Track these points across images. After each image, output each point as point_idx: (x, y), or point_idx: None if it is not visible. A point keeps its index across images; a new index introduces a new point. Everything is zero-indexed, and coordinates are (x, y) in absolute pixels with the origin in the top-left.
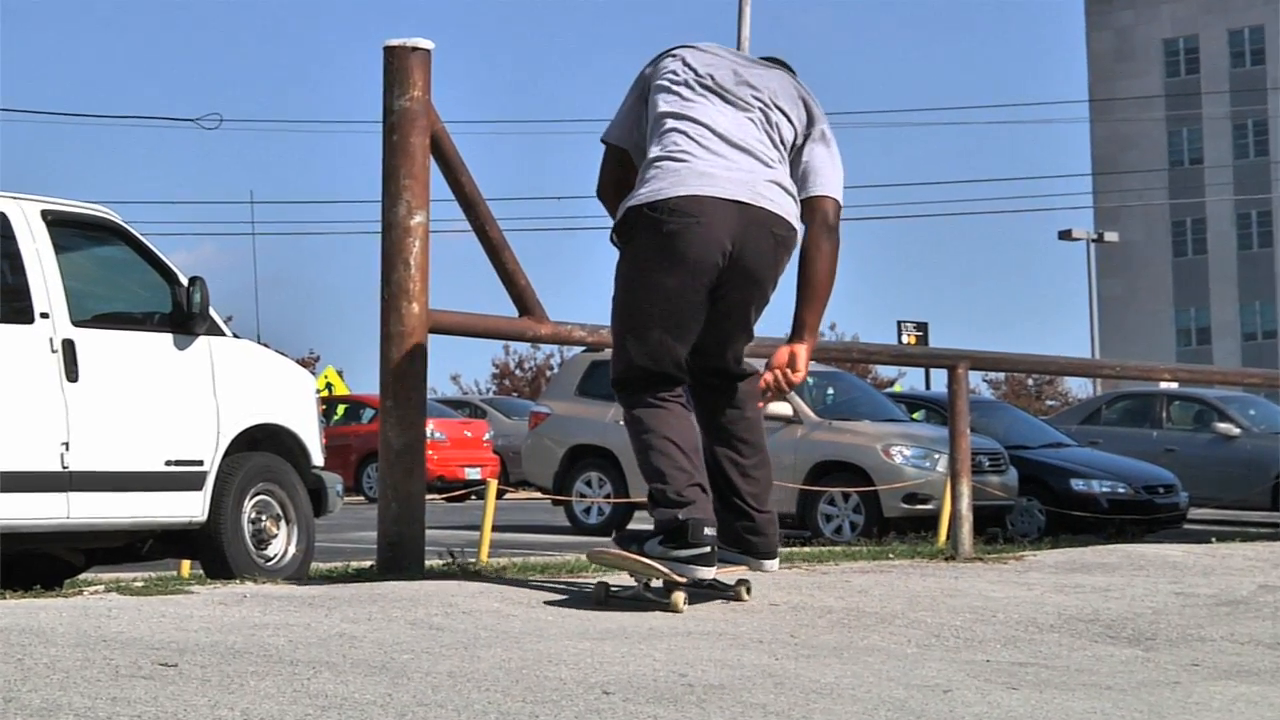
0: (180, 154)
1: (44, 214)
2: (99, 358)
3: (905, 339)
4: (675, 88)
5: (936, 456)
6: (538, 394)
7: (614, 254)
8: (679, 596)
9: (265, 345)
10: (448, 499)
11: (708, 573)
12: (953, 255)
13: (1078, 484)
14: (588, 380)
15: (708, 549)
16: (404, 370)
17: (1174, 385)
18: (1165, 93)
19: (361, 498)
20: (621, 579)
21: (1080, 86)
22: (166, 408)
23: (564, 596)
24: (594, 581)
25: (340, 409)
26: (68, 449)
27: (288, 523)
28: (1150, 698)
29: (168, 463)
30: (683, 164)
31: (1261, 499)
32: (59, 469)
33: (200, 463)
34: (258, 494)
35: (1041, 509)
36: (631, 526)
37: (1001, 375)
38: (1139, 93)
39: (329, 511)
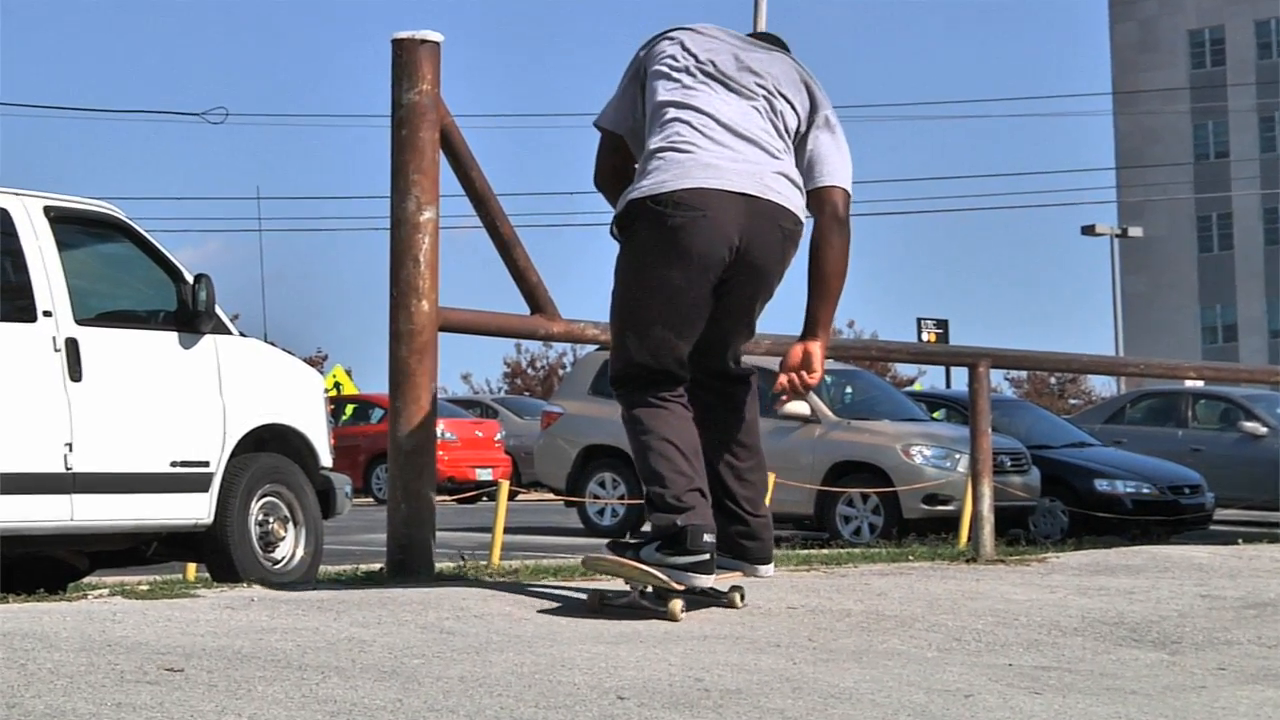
0: (185, 149)
1: (46, 210)
2: (103, 357)
3: (925, 336)
4: (675, 74)
5: (957, 456)
6: (550, 393)
7: None
8: (676, 605)
9: (272, 344)
10: (458, 500)
11: (706, 581)
12: (973, 251)
13: (1101, 484)
14: (601, 379)
15: (707, 556)
16: (413, 369)
17: (1200, 383)
18: (1190, 85)
19: (371, 499)
20: (612, 585)
21: (1104, 79)
22: (172, 408)
23: (578, 600)
24: (605, 585)
25: (349, 409)
26: (71, 450)
27: (295, 525)
28: (1176, 702)
29: (173, 464)
30: (687, 155)
31: None
32: (62, 470)
33: (206, 464)
34: (265, 496)
35: (1064, 510)
36: (637, 529)
37: (1024, 373)
38: (1163, 85)
39: (337, 513)
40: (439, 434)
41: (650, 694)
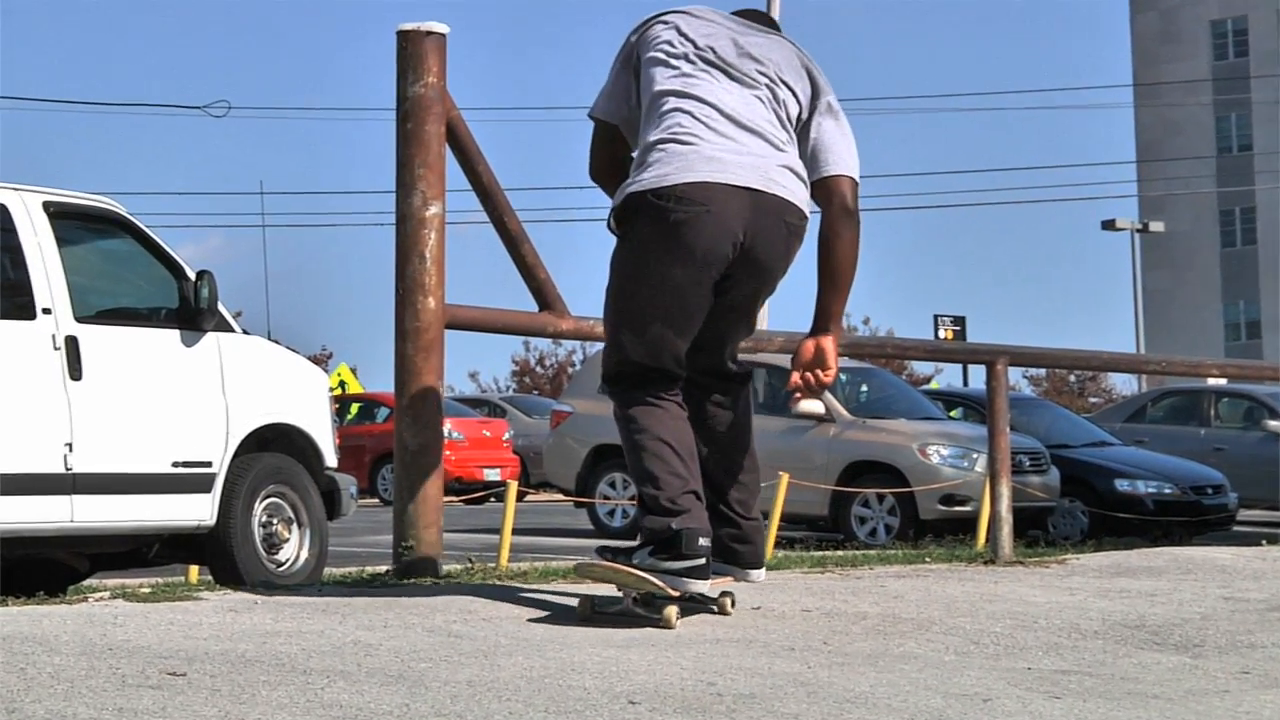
0: (187, 143)
1: (46, 205)
2: (103, 355)
3: (942, 334)
4: (674, 61)
5: (975, 456)
6: (559, 392)
7: None
8: (672, 612)
9: (276, 341)
10: (466, 501)
11: (702, 586)
12: (991, 246)
13: (1122, 484)
14: None
15: (702, 560)
16: (420, 367)
17: (1222, 381)
18: (1213, 76)
19: (376, 500)
20: (604, 590)
21: (1124, 70)
22: (173, 407)
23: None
24: (598, 591)
25: (354, 408)
26: (71, 450)
27: (300, 526)
28: (1198, 707)
29: (175, 464)
30: (689, 147)
31: None
32: (62, 471)
33: (209, 464)
34: (268, 496)
35: (1084, 510)
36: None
37: (1042, 371)
38: (1185, 76)
39: (343, 515)
40: (446, 433)
41: (662, 699)
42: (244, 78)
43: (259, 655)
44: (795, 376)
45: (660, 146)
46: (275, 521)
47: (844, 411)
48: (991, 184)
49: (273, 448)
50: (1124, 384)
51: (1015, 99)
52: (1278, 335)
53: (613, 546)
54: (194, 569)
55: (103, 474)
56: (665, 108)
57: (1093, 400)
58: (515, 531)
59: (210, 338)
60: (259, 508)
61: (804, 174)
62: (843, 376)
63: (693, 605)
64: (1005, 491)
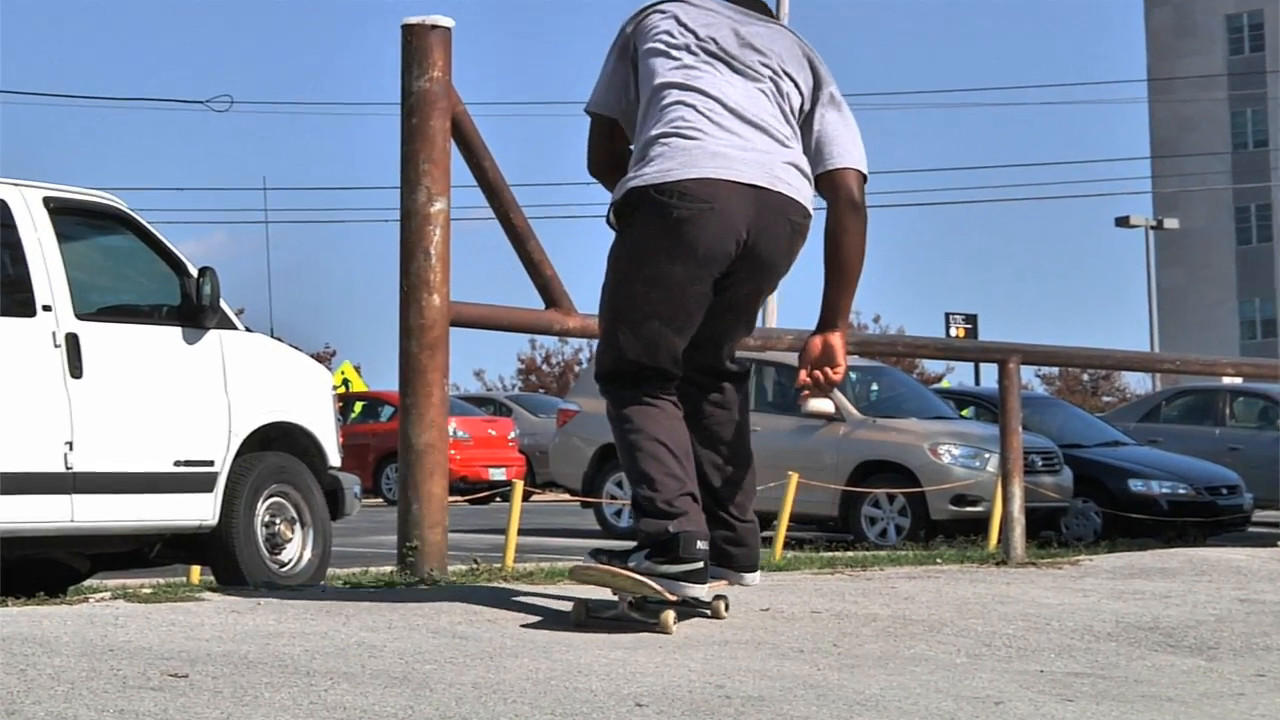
0: (189, 138)
1: (46, 201)
2: (104, 353)
3: (953, 332)
4: (674, 52)
5: (987, 456)
6: (565, 390)
7: None
8: (669, 616)
9: (279, 339)
10: (471, 501)
11: (699, 590)
12: (1003, 243)
13: (1136, 484)
14: None
15: (700, 564)
16: (424, 365)
17: (1238, 380)
18: (1228, 71)
19: (380, 500)
20: (598, 594)
21: (1138, 65)
22: (175, 405)
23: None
24: (593, 595)
25: (358, 406)
26: (71, 449)
27: (303, 526)
28: (1213, 710)
29: (177, 463)
30: (693, 142)
31: None
32: (62, 470)
33: (211, 463)
34: (271, 496)
35: (1098, 511)
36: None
37: (1055, 370)
38: (1200, 71)
39: (346, 514)
40: (451, 432)
41: (670, 701)
42: (247, 72)
43: (262, 657)
44: (803, 374)
45: (663, 140)
46: (278, 521)
47: (854, 411)
48: (1004, 180)
49: (276, 447)
50: (1138, 383)
51: (1029, 94)
52: None
53: (608, 549)
54: (196, 569)
55: (103, 473)
56: (667, 100)
57: (1106, 399)
58: (521, 532)
59: (212, 335)
60: (261, 507)
61: (808, 170)
62: (853, 375)
63: (687, 609)
64: (1017, 492)
